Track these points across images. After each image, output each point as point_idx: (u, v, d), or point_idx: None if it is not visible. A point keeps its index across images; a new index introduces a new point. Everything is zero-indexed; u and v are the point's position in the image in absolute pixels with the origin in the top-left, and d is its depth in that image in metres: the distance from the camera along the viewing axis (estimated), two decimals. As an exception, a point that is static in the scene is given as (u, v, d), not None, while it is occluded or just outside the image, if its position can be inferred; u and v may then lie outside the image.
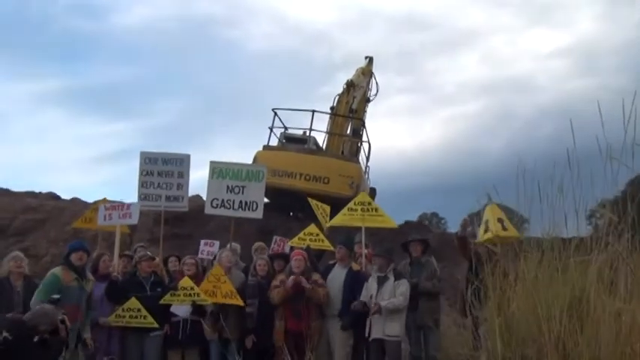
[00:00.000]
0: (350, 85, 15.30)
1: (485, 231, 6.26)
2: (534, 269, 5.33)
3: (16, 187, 14.90)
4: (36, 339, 4.67)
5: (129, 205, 7.31)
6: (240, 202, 7.97)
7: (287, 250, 8.02)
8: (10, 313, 5.28)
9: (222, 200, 8.00)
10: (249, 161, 12.84)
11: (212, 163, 8.18)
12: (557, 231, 5.49)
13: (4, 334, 4.29)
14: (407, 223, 14.81)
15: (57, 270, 5.91)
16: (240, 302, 6.44)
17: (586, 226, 5.59)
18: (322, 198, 9.85)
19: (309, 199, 9.08)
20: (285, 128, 14.68)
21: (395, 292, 6.24)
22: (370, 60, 16.79)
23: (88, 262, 6.34)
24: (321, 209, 8.81)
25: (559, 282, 4.85)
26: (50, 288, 5.64)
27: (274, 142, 14.24)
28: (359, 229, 7.43)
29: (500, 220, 6.15)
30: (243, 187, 8.00)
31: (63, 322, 4.85)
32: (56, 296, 5.38)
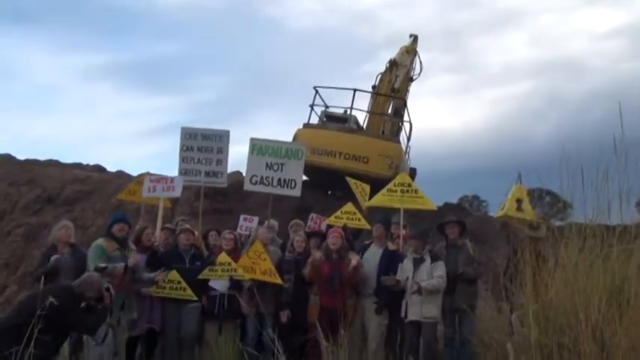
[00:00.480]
0: (393, 64, 15.08)
1: (502, 208, 6.24)
2: (575, 256, 5.22)
3: (64, 158, 15.51)
4: (83, 305, 4.91)
5: (172, 179, 7.50)
6: (279, 179, 8.05)
7: (323, 228, 8.07)
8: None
9: (261, 177, 8.09)
10: (290, 138, 12.90)
11: (252, 140, 8.27)
12: (600, 218, 5.36)
13: (51, 299, 4.50)
14: (446, 204, 14.62)
15: (100, 241, 6.15)
16: (279, 280, 6.54)
17: (632, 214, 5.43)
18: (361, 177, 9.86)
19: (348, 179, 9.10)
20: (326, 106, 14.63)
21: (432, 274, 6.23)
22: (415, 38, 16.45)
23: (130, 233, 6.54)
24: (360, 188, 8.81)
25: (600, 270, 4.72)
26: (96, 257, 5.87)
27: (315, 120, 14.23)
28: (397, 209, 7.41)
29: (518, 201, 6.09)
30: (282, 164, 8.07)
31: (108, 289, 5.07)
32: (102, 265, 5.60)
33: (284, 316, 6.52)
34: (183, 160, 8.51)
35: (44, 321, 4.38)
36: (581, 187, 5.41)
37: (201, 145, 8.54)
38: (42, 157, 14.96)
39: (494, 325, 6.74)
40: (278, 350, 6.15)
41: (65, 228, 6.44)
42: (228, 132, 8.71)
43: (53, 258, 6.11)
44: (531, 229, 5.92)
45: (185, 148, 8.54)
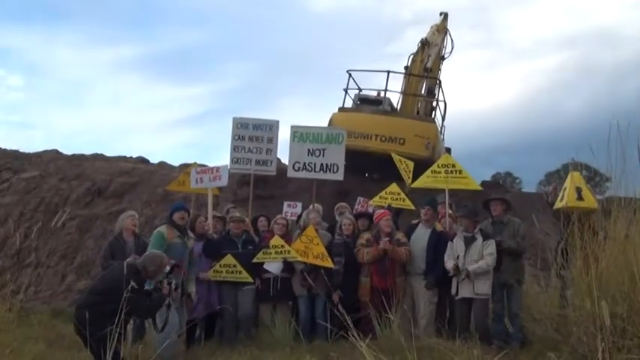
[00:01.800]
0: (424, 44, 14.94)
1: (561, 199, 6.22)
2: (625, 228, 5.29)
3: (96, 150, 16.06)
4: (147, 287, 5.22)
5: (218, 169, 7.70)
6: (322, 164, 8.28)
7: (370, 210, 8.23)
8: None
9: (304, 163, 8.33)
10: (321, 121, 13.02)
11: (293, 127, 8.48)
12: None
13: (132, 283, 4.84)
14: (483, 182, 14.60)
15: (162, 228, 6.40)
16: (331, 264, 6.76)
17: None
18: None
19: (393, 155, 9.17)
20: (360, 90, 14.66)
21: (483, 253, 6.34)
22: (445, 16, 16.29)
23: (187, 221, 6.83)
24: (404, 164, 8.86)
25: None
26: (158, 244, 6.13)
27: (349, 103, 14.28)
28: (440, 189, 7.52)
29: (577, 190, 6.06)
30: (323, 149, 8.29)
31: (169, 283, 5.33)
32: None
33: (336, 296, 6.70)
34: (234, 149, 8.84)
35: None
36: (627, 160, 5.45)
37: (252, 135, 8.89)
38: (72, 151, 15.62)
39: (541, 299, 6.86)
40: (330, 329, 6.44)
41: (131, 217, 6.87)
42: (277, 122, 9.00)
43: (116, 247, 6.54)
44: (579, 200, 5.97)
45: (237, 138, 8.88)
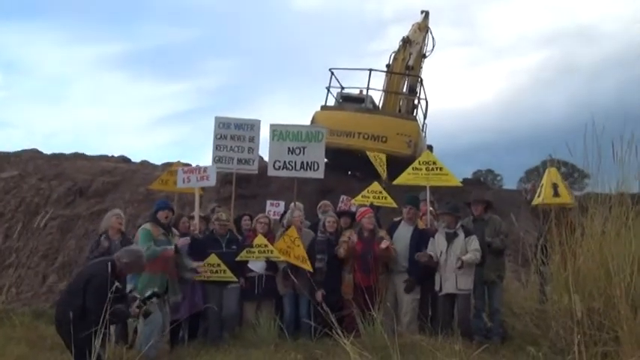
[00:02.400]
0: (406, 42, 15.06)
1: (539, 195, 6.35)
2: (601, 225, 5.42)
3: (78, 149, 15.88)
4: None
5: (206, 168, 7.67)
6: (302, 162, 8.30)
7: (353, 209, 8.30)
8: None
9: (284, 162, 8.35)
10: (304, 118, 13.07)
11: (272, 125, 8.51)
12: (624, 187, 5.53)
13: (116, 283, 4.86)
14: (465, 180, 14.76)
15: (147, 225, 6.42)
16: (310, 267, 6.80)
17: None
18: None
19: (367, 152, 9.26)
20: (342, 88, 14.73)
21: (467, 248, 6.44)
22: (426, 14, 16.42)
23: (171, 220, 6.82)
24: (378, 159, 8.99)
25: (628, 237, 4.93)
26: (145, 240, 6.15)
27: (331, 101, 14.34)
28: (422, 187, 7.61)
29: (554, 186, 6.18)
30: (303, 147, 8.32)
31: (139, 307, 5.23)
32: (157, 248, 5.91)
33: (319, 295, 6.75)
34: (216, 147, 8.86)
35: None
36: (603, 157, 5.57)
37: (234, 134, 8.92)
38: (52, 150, 15.44)
39: (522, 294, 7.01)
40: (314, 327, 6.49)
41: (117, 216, 6.85)
42: (259, 121, 9.04)
43: (103, 241, 6.60)
44: (555, 196, 6.11)
45: (219, 137, 8.91)
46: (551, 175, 6.25)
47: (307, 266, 6.80)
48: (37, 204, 12.02)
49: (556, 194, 6.09)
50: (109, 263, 5.15)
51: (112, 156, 15.35)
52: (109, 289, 4.80)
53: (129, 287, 5.83)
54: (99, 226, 7.08)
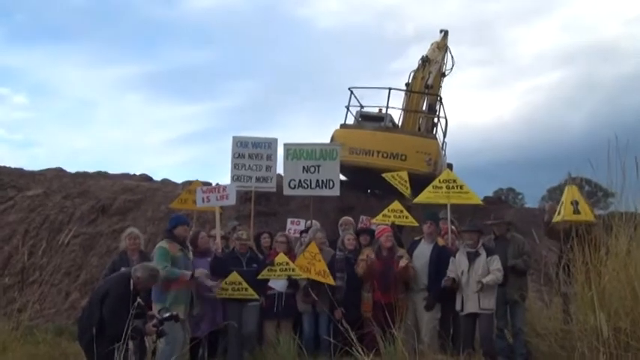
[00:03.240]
0: (425, 61, 15.12)
1: (559, 213, 6.25)
2: (626, 244, 5.34)
3: (100, 168, 16.17)
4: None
5: (225, 187, 7.77)
6: (317, 180, 8.39)
7: (373, 227, 8.26)
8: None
9: (300, 180, 8.45)
10: (324, 139, 13.12)
11: (286, 145, 8.61)
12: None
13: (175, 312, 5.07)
14: (486, 198, 14.66)
15: (163, 243, 6.43)
16: (332, 282, 6.79)
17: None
18: (401, 175, 9.96)
19: (384, 175, 9.19)
20: (361, 106, 14.79)
21: (489, 268, 6.36)
22: (445, 34, 16.49)
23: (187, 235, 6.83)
24: (397, 179, 8.87)
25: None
26: (163, 258, 6.19)
27: (351, 120, 14.41)
28: (443, 205, 7.56)
29: (574, 203, 6.09)
30: (318, 166, 8.42)
31: (155, 326, 5.29)
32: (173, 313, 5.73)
33: (338, 313, 6.72)
34: (235, 166, 8.98)
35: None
36: (628, 175, 5.50)
37: (252, 153, 9.07)
38: (76, 169, 15.74)
39: (545, 315, 6.88)
40: (334, 345, 6.45)
41: (129, 236, 6.89)
42: (276, 140, 9.16)
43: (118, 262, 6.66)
44: (576, 213, 6.02)
45: (237, 156, 9.05)
46: (571, 192, 6.17)
47: (330, 280, 6.78)
48: (61, 222, 12.23)
49: (577, 211, 6.01)
50: (127, 277, 5.21)
51: (134, 174, 15.60)
52: (126, 304, 4.88)
53: (158, 307, 5.91)
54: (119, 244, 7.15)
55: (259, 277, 6.90)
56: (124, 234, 7.06)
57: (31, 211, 12.65)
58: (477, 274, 6.33)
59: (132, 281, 5.18)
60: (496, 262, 6.39)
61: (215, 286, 6.69)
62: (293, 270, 6.86)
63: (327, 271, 6.82)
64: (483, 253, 6.46)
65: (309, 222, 8.03)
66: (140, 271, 5.30)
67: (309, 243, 7.18)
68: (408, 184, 8.67)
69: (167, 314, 5.47)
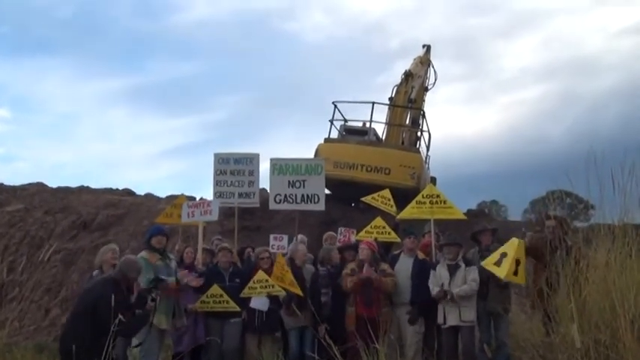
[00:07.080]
0: (408, 75, 15.30)
1: (499, 265, 6.06)
2: (605, 256, 5.39)
3: (82, 182, 16.02)
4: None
5: (209, 203, 7.80)
6: (302, 195, 8.46)
7: (353, 239, 8.26)
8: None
9: (285, 195, 8.50)
10: (310, 153, 13.18)
11: (272, 160, 8.67)
12: (627, 217, 5.51)
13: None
14: (469, 211, 14.75)
15: (142, 254, 6.45)
16: (300, 292, 6.75)
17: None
18: (383, 189, 10.01)
19: (364, 199, 9.09)
20: (345, 120, 14.89)
21: (466, 279, 6.41)
22: (428, 48, 16.72)
23: (167, 245, 6.83)
24: (380, 199, 8.79)
25: (632, 268, 4.90)
26: (145, 270, 6.12)
27: (335, 134, 14.48)
28: (427, 220, 7.57)
29: (516, 262, 5.98)
30: (303, 180, 8.50)
31: (154, 300, 5.50)
32: (161, 277, 5.97)
33: (322, 329, 6.67)
34: (217, 183, 8.97)
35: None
36: (605, 188, 5.56)
37: (234, 169, 9.06)
38: (58, 183, 15.58)
39: (528, 327, 6.91)
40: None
41: (112, 251, 6.83)
42: (258, 155, 9.17)
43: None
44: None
45: (219, 172, 9.04)
46: (513, 248, 6.06)
47: (298, 290, 6.75)
48: (42, 237, 12.09)
49: (515, 272, 5.91)
50: (111, 281, 5.27)
51: (117, 189, 15.48)
52: (123, 305, 5.01)
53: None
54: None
55: (241, 295, 6.86)
56: (105, 248, 7.02)
57: (11, 226, 12.48)
58: (457, 287, 6.36)
59: (119, 280, 5.29)
60: (473, 273, 6.43)
61: (191, 280, 6.71)
62: (272, 287, 6.82)
63: (294, 281, 6.79)
64: (463, 265, 6.52)
65: (295, 237, 8.03)
66: (130, 271, 5.41)
67: (292, 259, 7.16)
68: (392, 201, 8.66)
69: (145, 279, 5.76)
